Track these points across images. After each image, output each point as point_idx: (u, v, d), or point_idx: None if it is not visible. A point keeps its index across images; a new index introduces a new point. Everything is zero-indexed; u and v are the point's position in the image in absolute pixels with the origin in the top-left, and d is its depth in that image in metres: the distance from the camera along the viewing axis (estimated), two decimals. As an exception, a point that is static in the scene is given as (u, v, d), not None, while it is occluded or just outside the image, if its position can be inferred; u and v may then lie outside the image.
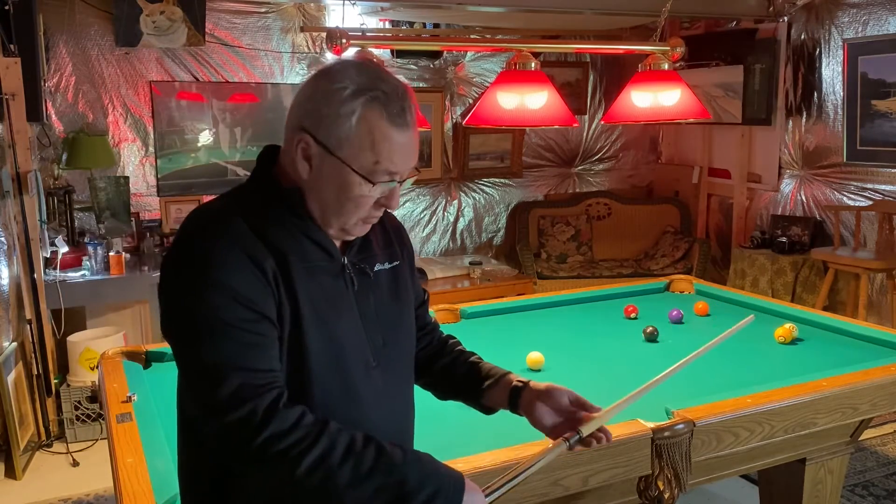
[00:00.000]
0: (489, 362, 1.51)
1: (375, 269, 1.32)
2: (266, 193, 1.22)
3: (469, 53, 5.64)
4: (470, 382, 1.48)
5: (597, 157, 6.33)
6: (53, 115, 4.44)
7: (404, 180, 1.24)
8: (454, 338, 1.61)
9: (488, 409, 1.49)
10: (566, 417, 1.41)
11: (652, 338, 2.62)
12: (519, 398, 1.42)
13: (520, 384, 1.43)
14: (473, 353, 1.55)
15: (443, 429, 1.90)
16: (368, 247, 1.31)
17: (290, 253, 1.18)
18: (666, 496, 1.81)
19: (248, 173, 1.33)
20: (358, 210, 1.22)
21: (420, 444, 1.65)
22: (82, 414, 3.77)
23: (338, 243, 1.28)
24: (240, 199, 1.23)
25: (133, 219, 4.55)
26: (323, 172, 1.19)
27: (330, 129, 1.17)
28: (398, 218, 1.49)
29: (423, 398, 1.89)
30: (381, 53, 4.25)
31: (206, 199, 4.84)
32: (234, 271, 1.13)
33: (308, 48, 5.11)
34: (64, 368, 3.96)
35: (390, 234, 1.40)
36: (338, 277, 1.25)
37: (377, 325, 1.30)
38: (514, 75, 2.51)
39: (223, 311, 1.11)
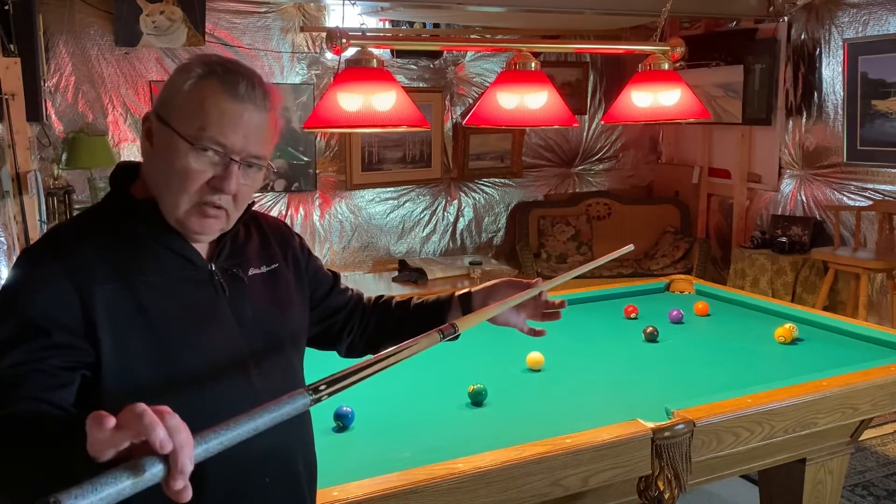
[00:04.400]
0: (422, 294, 1.60)
1: (250, 273, 1.29)
2: (120, 208, 1.20)
3: (469, 53, 5.64)
4: (430, 322, 1.44)
5: (597, 157, 6.33)
6: (53, 115, 4.44)
7: (242, 162, 1.17)
8: (382, 296, 1.62)
9: None
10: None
11: (652, 338, 2.62)
12: (470, 308, 1.53)
13: (465, 296, 1.55)
14: (408, 298, 1.60)
15: (443, 429, 1.91)
16: (240, 251, 1.28)
17: (143, 272, 1.15)
18: (666, 496, 1.81)
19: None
20: (185, 186, 1.14)
21: (421, 443, 1.66)
22: (82, 414, 3.77)
23: (204, 250, 1.24)
24: (93, 217, 1.21)
25: (133, 219, 4.55)
26: (157, 146, 1.17)
27: (167, 102, 1.17)
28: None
29: (419, 401, 1.90)
30: (381, 53, 4.25)
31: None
32: (42, 299, 1.08)
33: (308, 48, 5.12)
34: (64, 368, 3.95)
35: (269, 236, 1.36)
36: (205, 285, 1.22)
37: (256, 331, 1.26)
38: (514, 75, 2.50)
39: (11, 335, 1.06)
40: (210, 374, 1.19)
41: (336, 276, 1.57)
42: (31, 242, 1.28)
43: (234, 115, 1.15)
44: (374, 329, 1.57)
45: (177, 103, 1.16)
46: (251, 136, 1.17)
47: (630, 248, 1.81)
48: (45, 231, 1.27)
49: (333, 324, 1.54)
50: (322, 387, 1.01)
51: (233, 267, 1.26)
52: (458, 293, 1.57)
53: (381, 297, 1.63)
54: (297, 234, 1.47)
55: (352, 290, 1.60)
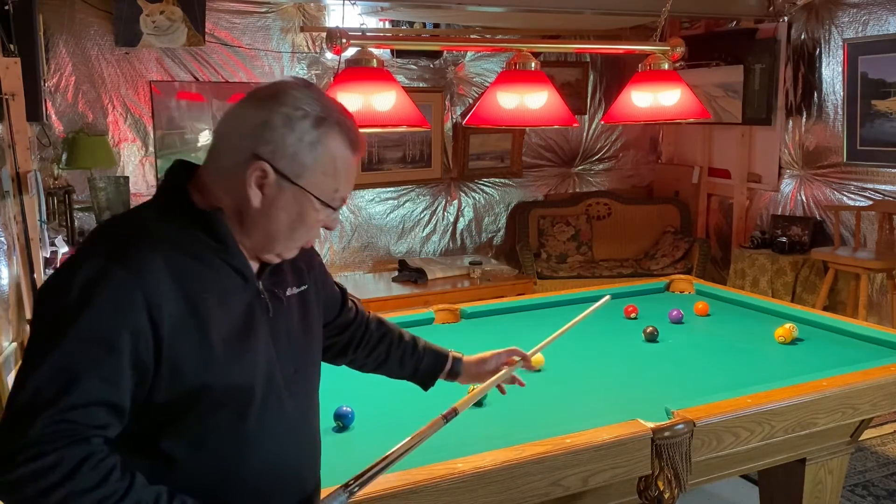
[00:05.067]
0: (420, 341, 1.68)
1: (287, 293, 1.29)
2: (184, 216, 1.16)
3: (469, 53, 5.64)
4: (425, 377, 1.68)
5: (597, 157, 6.33)
6: (53, 115, 4.44)
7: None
8: (385, 324, 1.66)
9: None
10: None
11: (652, 338, 2.62)
12: (457, 377, 1.69)
13: (456, 364, 1.68)
14: (412, 339, 1.67)
15: (443, 429, 1.90)
16: (279, 271, 1.27)
17: (204, 288, 1.13)
18: (666, 496, 1.81)
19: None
20: (308, 235, 1.22)
21: (425, 444, 1.66)
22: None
23: (255, 268, 1.23)
24: (158, 221, 1.16)
25: (133, 219, 4.55)
26: (279, 201, 1.16)
27: (293, 158, 1.14)
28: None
29: (419, 401, 1.89)
30: (381, 53, 4.25)
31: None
32: (116, 315, 1.05)
33: (308, 48, 5.12)
34: (64, 368, 3.95)
35: (297, 256, 1.34)
36: (252, 303, 1.21)
37: (289, 353, 1.27)
38: (514, 75, 2.51)
39: (80, 352, 1.04)
40: (251, 395, 1.19)
41: (344, 293, 1.58)
42: (91, 238, 1.18)
43: (353, 169, 1.22)
44: (378, 356, 1.62)
45: (307, 164, 1.15)
46: (356, 176, 1.26)
47: (608, 298, 1.97)
48: (105, 226, 1.18)
49: (338, 341, 1.57)
50: (355, 488, 1.31)
51: (274, 287, 1.26)
52: (452, 357, 1.69)
53: (386, 326, 1.65)
54: (316, 251, 1.47)
55: (354, 303, 1.61)
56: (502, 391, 1.74)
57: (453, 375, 1.66)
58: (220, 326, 1.15)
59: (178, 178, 1.21)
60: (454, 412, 1.45)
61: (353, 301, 1.60)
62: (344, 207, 4.37)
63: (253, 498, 1.22)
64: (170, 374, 1.10)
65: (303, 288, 1.34)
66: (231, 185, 1.16)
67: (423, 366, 1.64)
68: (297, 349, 1.30)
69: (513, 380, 1.73)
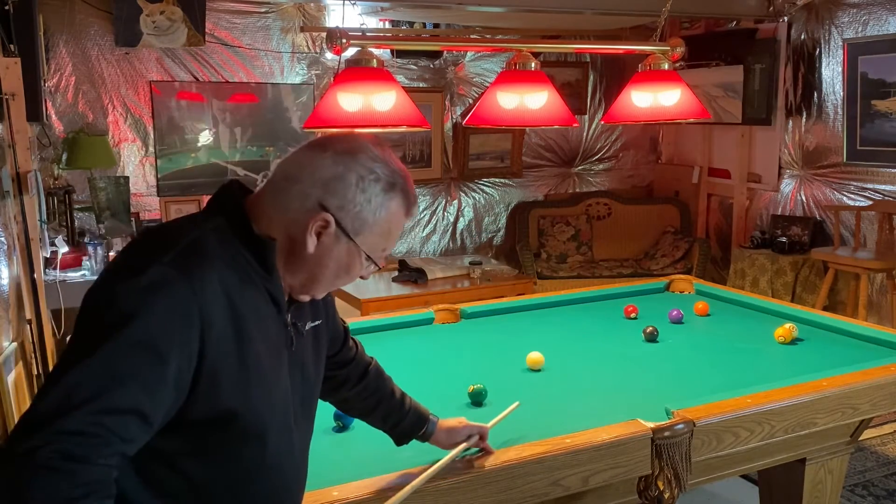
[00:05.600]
0: (407, 399, 1.64)
1: (307, 327, 1.31)
2: (241, 239, 1.17)
3: (469, 53, 5.64)
4: (402, 435, 1.64)
5: (597, 157, 6.33)
6: (53, 115, 4.44)
7: None
8: (382, 373, 1.64)
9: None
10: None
11: (652, 338, 2.62)
12: (428, 439, 1.65)
13: (430, 426, 1.63)
14: (402, 395, 1.63)
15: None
16: (301, 305, 1.29)
17: (247, 312, 1.14)
18: (666, 496, 1.81)
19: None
20: (346, 283, 1.27)
21: (421, 443, 1.66)
22: (82, 414, 3.76)
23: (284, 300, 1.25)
24: (220, 239, 1.15)
25: (133, 219, 4.55)
26: (333, 252, 1.20)
27: (356, 217, 1.18)
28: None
29: (419, 401, 1.90)
30: (381, 53, 4.25)
31: (206, 199, 4.84)
32: (172, 326, 1.04)
33: (308, 48, 5.12)
34: (64, 368, 3.95)
35: None
36: (282, 334, 1.23)
37: (301, 385, 1.29)
38: (514, 75, 2.50)
39: (128, 355, 1.02)
40: (271, 426, 1.20)
41: (347, 332, 1.58)
42: (148, 244, 1.15)
43: (402, 230, 1.30)
44: (367, 405, 1.61)
45: (368, 223, 1.19)
46: None
47: (517, 404, 1.89)
48: (160, 233, 1.18)
49: (334, 377, 1.56)
50: None
51: (297, 320, 1.28)
52: (430, 421, 1.64)
53: (383, 378, 1.64)
54: None
55: (355, 344, 1.61)
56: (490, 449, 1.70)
57: (426, 437, 1.64)
58: (256, 352, 1.15)
59: (238, 199, 1.21)
60: None
61: (354, 341, 1.61)
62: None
63: None
64: (206, 391, 1.10)
65: (317, 322, 1.36)
66: (290, 225, 1.18)
67: (404, 425, 1.62)
68: (308, 382, 1.32)
69: (480, 442, 1.68)
